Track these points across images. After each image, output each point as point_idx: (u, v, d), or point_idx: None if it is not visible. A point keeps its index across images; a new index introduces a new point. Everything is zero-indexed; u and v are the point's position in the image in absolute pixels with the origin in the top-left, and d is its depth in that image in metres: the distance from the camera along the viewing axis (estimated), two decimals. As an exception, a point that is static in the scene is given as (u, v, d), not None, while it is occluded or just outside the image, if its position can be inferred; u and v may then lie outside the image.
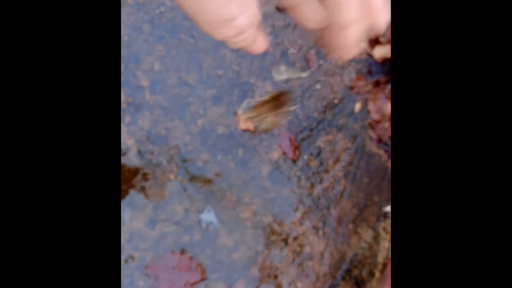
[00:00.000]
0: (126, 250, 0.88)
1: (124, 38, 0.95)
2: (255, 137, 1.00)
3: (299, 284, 0.99)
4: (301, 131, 1.04)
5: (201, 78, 0.99)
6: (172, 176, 0.94)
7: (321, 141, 1.05)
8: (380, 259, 1.05)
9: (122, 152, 0.92)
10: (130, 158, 0.92)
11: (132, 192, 0.92)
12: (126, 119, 0.93)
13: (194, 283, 0.92)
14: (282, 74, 0.99)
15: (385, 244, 1.05)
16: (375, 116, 1.08)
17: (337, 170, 1.05)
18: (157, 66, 0.96)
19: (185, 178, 0.95)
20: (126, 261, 0.88)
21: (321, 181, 1.03)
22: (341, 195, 1.04)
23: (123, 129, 0.92)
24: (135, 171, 0.93)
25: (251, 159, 0.99)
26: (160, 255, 0.91)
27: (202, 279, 0.93)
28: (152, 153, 0.94)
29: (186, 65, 0.97)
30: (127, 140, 0.92)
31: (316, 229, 1.01)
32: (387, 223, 1.06)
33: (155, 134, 0.95)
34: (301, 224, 1.00)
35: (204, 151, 0.96)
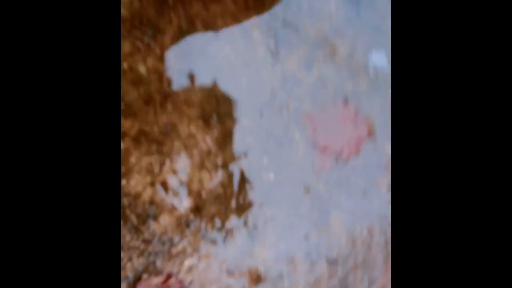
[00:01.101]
0: (279, 97, 0.74)
1: None
2: None
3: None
4: None
5: None
6: None
7: None
8: None
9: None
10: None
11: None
12: None
13: (359, 140, 0.75)
14: None
15: None
16: None
17: None
18: None
19: None
20: (279, 109, 0.74)
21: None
22: None
23: None
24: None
25: None
26: (320, 104, 0.74)
27: (369, 136, 0.76)
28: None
29: None
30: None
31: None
32: None
33: None
34: None
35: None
